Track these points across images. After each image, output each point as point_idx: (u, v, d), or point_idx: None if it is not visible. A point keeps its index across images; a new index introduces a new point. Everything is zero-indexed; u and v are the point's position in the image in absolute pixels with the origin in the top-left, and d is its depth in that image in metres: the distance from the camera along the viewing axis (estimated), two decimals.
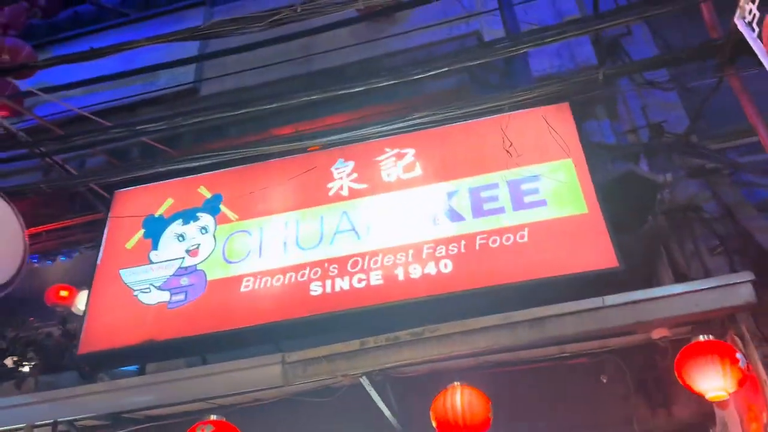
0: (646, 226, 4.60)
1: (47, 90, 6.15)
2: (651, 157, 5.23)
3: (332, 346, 3.85)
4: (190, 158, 4.63)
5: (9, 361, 5.59)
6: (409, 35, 6.74)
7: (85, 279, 6.71)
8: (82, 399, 4.06)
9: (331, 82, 4.97)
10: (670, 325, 3.93)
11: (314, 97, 4.66)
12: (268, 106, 4.31)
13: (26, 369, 5.52)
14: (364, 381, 3.86)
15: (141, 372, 4.56)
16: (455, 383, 3.65)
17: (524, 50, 4.52)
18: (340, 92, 4.66)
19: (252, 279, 4.28)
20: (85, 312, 4.46)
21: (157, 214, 4.77)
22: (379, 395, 4.01)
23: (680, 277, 4.44)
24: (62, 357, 5.85)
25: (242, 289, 4.26)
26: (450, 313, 3.81)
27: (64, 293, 6.70)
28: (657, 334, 4.03)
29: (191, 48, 6.94)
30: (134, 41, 4.99)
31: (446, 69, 4.46)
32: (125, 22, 7.95)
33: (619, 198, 4.34)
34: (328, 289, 4.09)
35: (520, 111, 4.38)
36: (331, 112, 5.94)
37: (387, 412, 4.18)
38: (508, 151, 4.11)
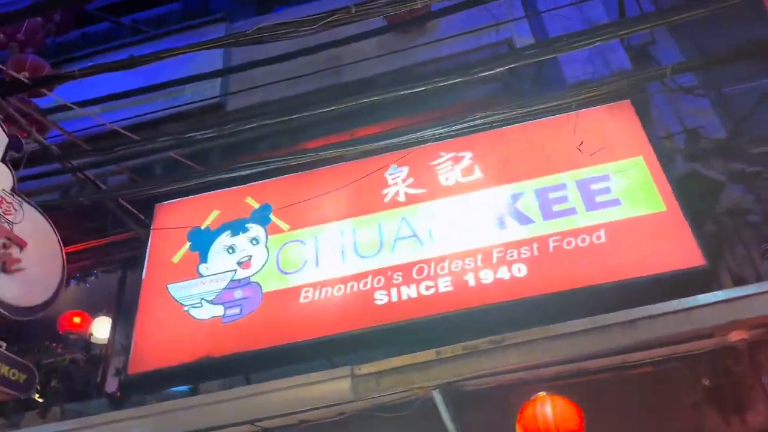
0: (708, 227, 4.51)
1: (63, 108, 5.97)
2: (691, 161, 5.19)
3: (404, 357, 3.66)
4: (239, 167, 4.46)
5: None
6: (439, 45, 6.69)
7: (101, 304, 6.47)
8: (123, 424, 3.81)
9: (359, 94, 4.89)
10: (750, 326, 3.81)
11: (368, 100, 4.57)
12: (324, 110, 4.17)
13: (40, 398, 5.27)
14: (437, 395, 3.66)
15: (194, 392, 4.31)
16: (541, 393, 3.47)
17: (571, 51, 4.47)
18: (384, 97, 4.58)
19: (311, 289, 4.09)
20: (131, 331, 4.23)
21: (203, 227, 4.58)
22: (451, 409, 3.81)
23: (739, 281, 4.34)
24: (88, 384, 5.59)
25: (301, 300, 4.07)
26: (524, 319, 3.65)
27: (76, 320, 6.44)
28: (736, 336, 3.90)
29: (216, 62, 6.81)
30: (175, 48, 4.84)
31: (484, 74, 4.41)
32: (144, 39, 7.82)
33: (683, 198, 4.25)
34: (394, 298, 3.91)
35: (582, 110, 4.29)
36: (360, 124, 5.82)
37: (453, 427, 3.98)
38: (579, 149, 4.00)
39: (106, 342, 5.92)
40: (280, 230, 4.44)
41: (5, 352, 3.98)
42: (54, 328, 6.75)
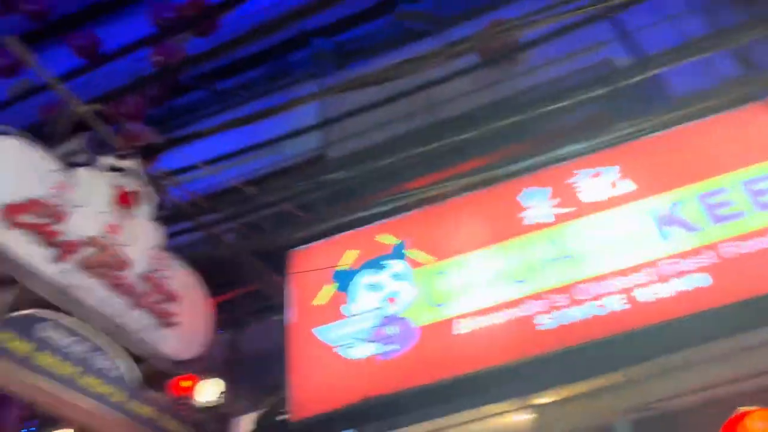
0: None
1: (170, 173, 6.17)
2: None
3: (585, 383, 3.46)
4: (371, 206, 4.51)
5: None
6: (534, 73, 6.67)
7: (211, 366, 6.47)
8: None
9: (458, 130, 4.90)
10: None
11: (465, 136, 4.61)
12: (465, 136, 4.16)
13: None
14: (624, 423, 3.42)
15: None
16: (745, 408, 3.17)
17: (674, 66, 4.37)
18: (486, 128, 4.60)
19: (464, 320, 3.97)
20: (285, 379, 4.19)
21: (343, 268, 4.56)
22: None
23: None
24: None
25: (458, 332, 3.95)
26: (706, 331, 3.41)
27: (186, 383, 6.41)
28: None
29: (310, 118, 6.95)
30: (296, 99, 5.02)
31: (588, 95, 4.43)
32: (239, 102, 8.13)
33: None
34: (558, 322, 3.74)
35: (725, 113, 4.13)
36: (460, 159, 5.79)
37: None
38: (743, 149, 3.81)
39: (212, 405, 5.77)
40: (421, 264, 4.36)
41: (174, 407, 4.00)
42: None
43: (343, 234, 4.75)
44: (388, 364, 3.99)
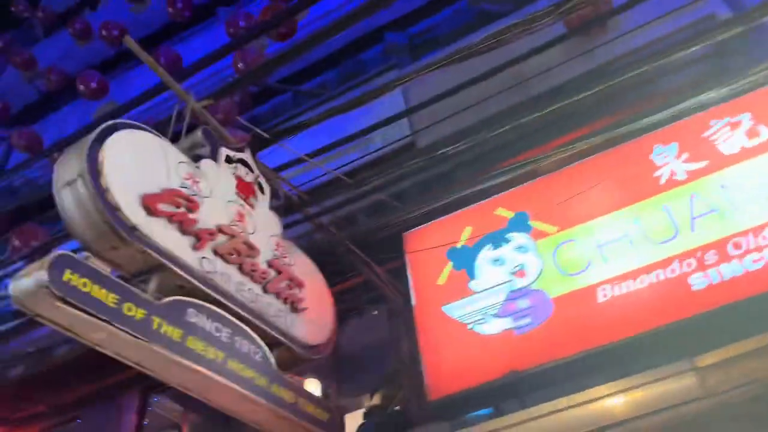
0: None
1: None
2: None
3: (749, 342, 3.19)
4: (489, 176, 4.38)
5: None
6: (629, 37, 6.38)
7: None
8: None
9: (552, 103, 4.70)
10: None
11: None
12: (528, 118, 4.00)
13: None
14: None
15: (498, 414, 4.03)
16: None
17: None
18: (587, 94, 4.38)
19: (608, 287, 3.78)
20: (417, 358, 4.10)
21: (459, 245, 4.46)
22: None
23: None
24: None
25: (600, 300, 3.76)
26: None
27: None
28: None
29: (399, 106, 6.88)
30: (386, 84, 4.99)
31: (692, 49, 4.13)
32: (325, 99, 8.16)
33: None
34: (715, 280, 3.49)
35: None
36: (557, 134, 5.57)
37: None
38: None
39: None
40: (546, 234, 4.20)
41: (308, 391, 3.99)
42: None
43: (458, 211, 4.64)
44: (525, 338, 3.84)
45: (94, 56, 11.42)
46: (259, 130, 5.85)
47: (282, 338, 3.91)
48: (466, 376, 3.89)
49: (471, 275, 4.27)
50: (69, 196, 3.14)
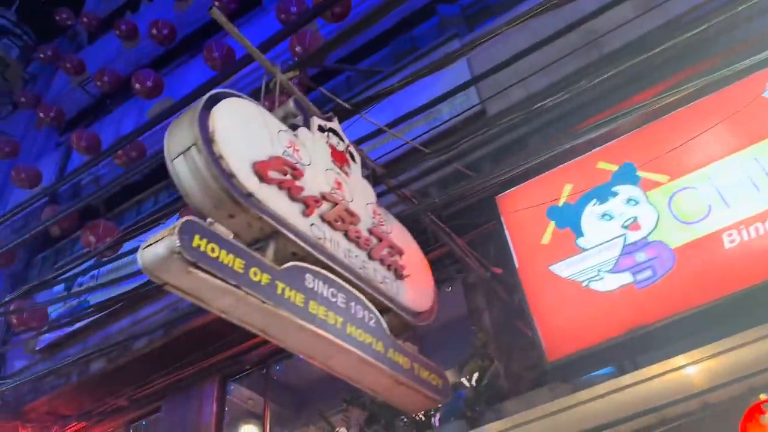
0: None
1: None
2: None
3: None
4: (585, 130, 4.18)
5: None
6: None
7: None
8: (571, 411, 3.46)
9: (623, 62, 4.48)
10: None
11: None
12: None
13: None
14: None
15: (620, 372, 3.87)
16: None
17: None
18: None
19: (734, 232, 3.58)
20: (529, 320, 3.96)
21: (561, 203, 4.30)
22: None
23: None
24: None
25: (726, 246, 3.56)
26: None
27: None
28: None
29: (464, 76, 6.72)
30: (453, 53, 4.86)
31: None
32: (384, 76, 8.03)
33: None
34: None
35: None
36: (631, 94, 5.32)
37: None
38: None
39: None
40: (657, 184, 4.01)
41: (423, 357, 3.89)
42: None
43: (555, 169, 4.48)
44: (647, 292, 3.68)
45: (140, 57, 11.55)
46: (341, 100, 5.76)
47: (390, 304, 3.82)
48: (585, 335, 3.74)
49: (577, 232, 4.11)
50: (183, 165, 3.10)
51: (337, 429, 6.24)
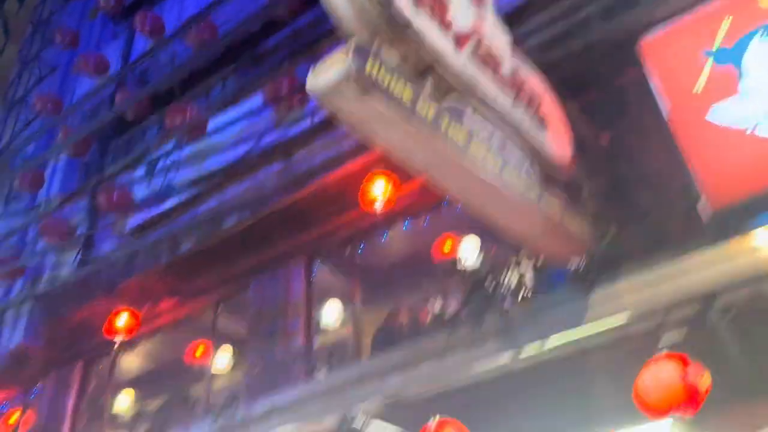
0: None
1: None
2: None
3: None
4: None
5: None
6: None
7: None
8: None
9: None
10: None
11: None
12: None
13: None
14: None
15: None
16: None
17: None
18: None
19: None
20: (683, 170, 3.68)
21: (716, 44, 3.86)
22: None
23: None
24: None
25: None
26: None
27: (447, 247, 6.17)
28: None
29: None
30: None
31: None
32: None
33: None
34: None
35: None
36: None
37: None
38: None
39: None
40: None
41: (571, 206, 3.70)
42: None
43: (707, 6, 4.00)
44: None
45: None
46: None
47: (537, 152, 3.60)
48: (751, 182, 3.46)
49: (739, 75, 3.71)
50: None
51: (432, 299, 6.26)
